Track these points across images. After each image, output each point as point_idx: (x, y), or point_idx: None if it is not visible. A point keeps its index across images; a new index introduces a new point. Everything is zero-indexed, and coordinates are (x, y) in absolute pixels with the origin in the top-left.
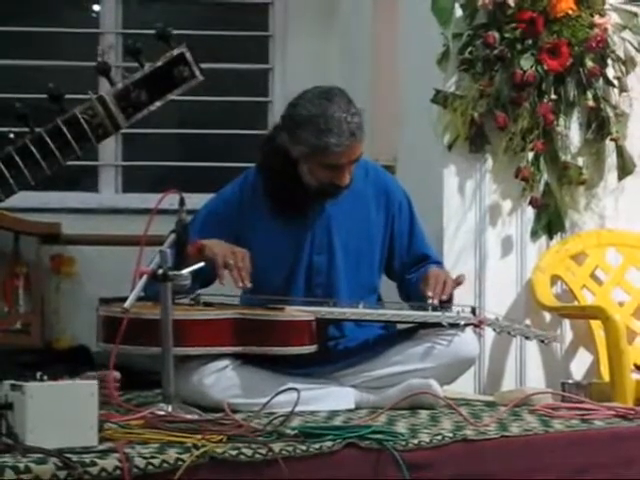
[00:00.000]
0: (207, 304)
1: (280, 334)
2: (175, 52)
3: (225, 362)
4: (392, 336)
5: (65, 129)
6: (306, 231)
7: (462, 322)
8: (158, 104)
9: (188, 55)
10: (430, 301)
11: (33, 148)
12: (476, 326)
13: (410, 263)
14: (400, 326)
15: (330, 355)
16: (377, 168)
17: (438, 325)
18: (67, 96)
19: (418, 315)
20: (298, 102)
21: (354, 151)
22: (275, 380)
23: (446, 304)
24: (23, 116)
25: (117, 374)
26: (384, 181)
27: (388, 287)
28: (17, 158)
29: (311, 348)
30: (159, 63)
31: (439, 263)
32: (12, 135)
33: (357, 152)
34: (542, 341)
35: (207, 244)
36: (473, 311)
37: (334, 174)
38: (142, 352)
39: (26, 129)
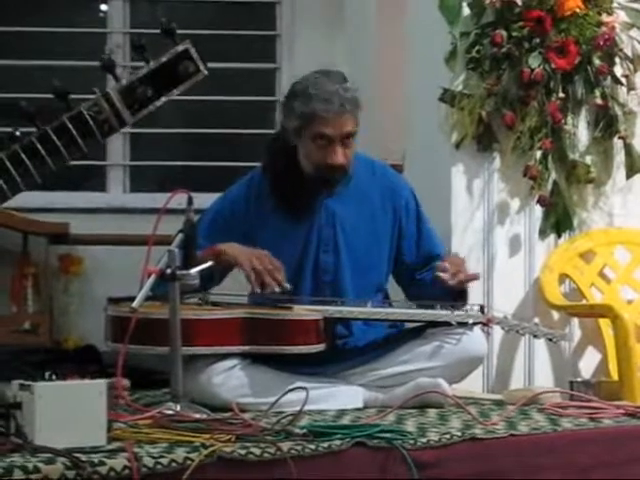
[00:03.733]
0: (215, 304)
1: (288, 333)
2: (180, 48)
3: (234, 361)
4: (400, 335)
5: (71, 126)
6: (312, 229)
7: (470, 321)
8: (164, 99)
9: (192, 50)
10: (440, 274)
11: (39, 145)
12: (484, 325)
13: (420, 263)
14: (408, 325)
15: (338, 354)
16: (384, 167)
17: (446, 324)
18: (76, 96)
19: (426, 314)
20: (294, 81)
21: (344, 123)
22: (284, 379)
23: (459, 298)
24: (28, 114)
25: (126, 382)
26: (391, 180)
27: (396, 286)
28: (23, 156)
29: (319, 347)
30: (164, 59)
31: None
32: (18, 133)
33: (348, 125)
34: (550, 339)
35: (225, 249)
36: (481, 309)
37: (326, 152)
38: (150, 352)
39: (32, 128)
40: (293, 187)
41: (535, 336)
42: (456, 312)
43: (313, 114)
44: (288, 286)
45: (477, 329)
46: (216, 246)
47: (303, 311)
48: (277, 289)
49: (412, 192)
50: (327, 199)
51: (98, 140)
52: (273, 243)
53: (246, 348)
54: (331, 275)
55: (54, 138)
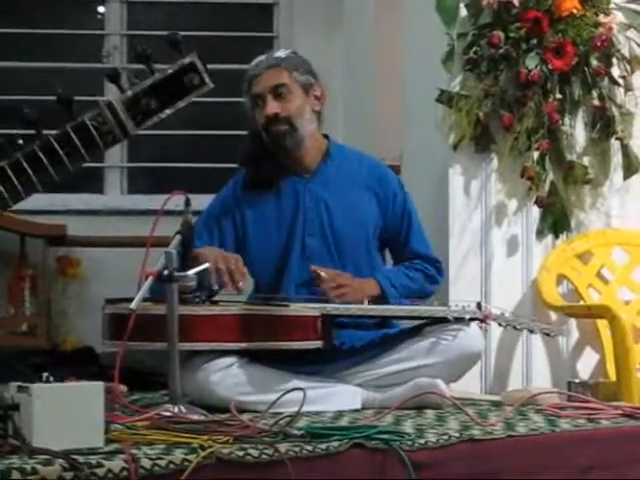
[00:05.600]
0: (212, 302)
1: (286, 329)
2: (186, 60)
3: (231, 359)
4: (397, 334)
5: (74, 136)
6: (298, 213)
7: (467, 317)
8: (168, 112)
9: (199, 63)
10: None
11: (42, 154)
12: (481, 321)
13: (408, 258)
14: (404, 325)
15: (336, 353)
16: (372, 159)
17: (443, 320)
18: (74, 97)
19: (423, 310)
20: None
21: (272, 76)
22: (281, 378)
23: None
24: (31, 121)
25: (124, 388)
26: (378, 171)
27: None
28: (25, 164)
29: (317, 344)
30: (170, 71)
31: (437, 261)
32: (21, 141)
33: (277, 78)
34: (547, 334)
35: (200, 253)
36: (478, 306)
37: (263, 109)
38: (148, 348)
39: (33, 132)
40: (259, 162)
41: (532, 331)
42: (453, 308)
43: (249, 79)
44: (242, 285)
45: (474, 325)
46: (195, 250)
47: (301, 307)
48: (232, 287)
49: (401, 185)
50: (312, 185)
51: (101, 150)
52: (261, 231)
53: (243, 345)
54: (318, 259)
55: (57, 147)
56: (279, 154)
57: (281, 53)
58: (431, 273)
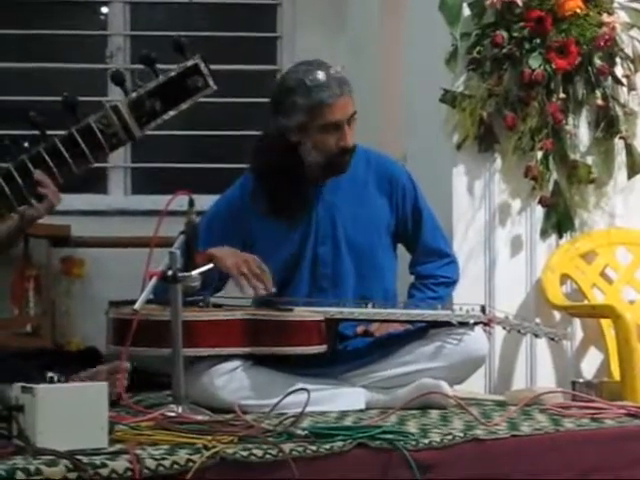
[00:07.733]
0: (216, 306)
1: (289, 334)
2: (189, 63)
3: (235, 363)
4: (402, 336)
5: (79, 138)
6: (310, 223)
7: (472, 321)
8: (172, 113)
9: (202, 65)
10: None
11: (47, 157)
12: (486, 324)
13: (420, 254)
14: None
15: (340, 356)
16: (380, 155)
17: (448, 324)
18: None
19: (427, 314)
20: (281, 78)
21: (346, 104)
22: (286, 381)
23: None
24: (37, 124)
25: (127, 365)
26: (386, 166)
27: (403, 285)
28: (31, 167)
29: (320, 348)
30: (173, 73)
31: (448, 255)
32: (27, 144)
33: (350, 106)
34: (552, 339)
35: (217, 254)
36: (483, 309)
37: (337, 136)
38: (152, 354)
39: (38, 133)
40: (291, 185)
41: (536, 335)
42: (457, 312)
43: (319, 104)
44: (274, 289)
45: (478, 329)
46: (208, 251)
47: (304, 312)
48: (263, 292)
49: (410, 179)
50: (324, 192)
51: (106, 152)
52: (270, 240)
53: (247, 350)
54: (330, 267)
55: (62, 150)
56: (318, 173)
57: (341, 73)
58: (448, 280)
